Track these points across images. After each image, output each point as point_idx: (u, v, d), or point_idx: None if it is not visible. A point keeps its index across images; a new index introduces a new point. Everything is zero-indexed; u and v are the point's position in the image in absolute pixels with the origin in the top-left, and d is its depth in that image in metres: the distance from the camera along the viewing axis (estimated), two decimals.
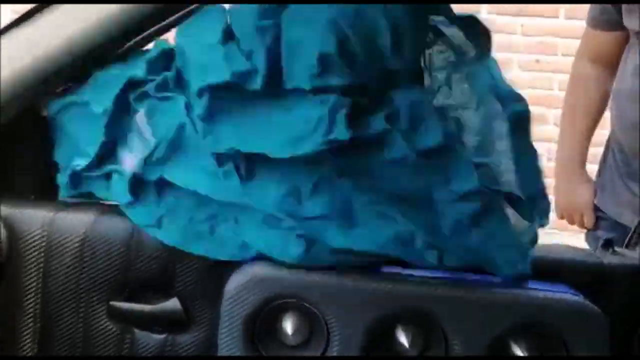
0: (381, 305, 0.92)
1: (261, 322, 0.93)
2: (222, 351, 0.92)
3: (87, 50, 0.92)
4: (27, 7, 0.92)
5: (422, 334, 0.92)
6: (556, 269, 1.02)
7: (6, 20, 0.92)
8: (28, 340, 0.98)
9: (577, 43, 1.75)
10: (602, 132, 1.73)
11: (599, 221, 1.70)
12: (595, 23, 1.66)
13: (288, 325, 0.92)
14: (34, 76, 0.91)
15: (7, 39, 0.89)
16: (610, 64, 1.65)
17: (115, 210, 1.00)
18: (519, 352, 0.91)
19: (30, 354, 0.97)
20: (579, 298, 0.93)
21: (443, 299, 0.92)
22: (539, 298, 0.93)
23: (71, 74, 0.97)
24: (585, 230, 1.75)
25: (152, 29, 1.02)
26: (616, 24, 1.61)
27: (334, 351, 0.92)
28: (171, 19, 1.03)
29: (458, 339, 0.91)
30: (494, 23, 3.44)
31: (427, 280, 0.93)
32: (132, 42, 1.01)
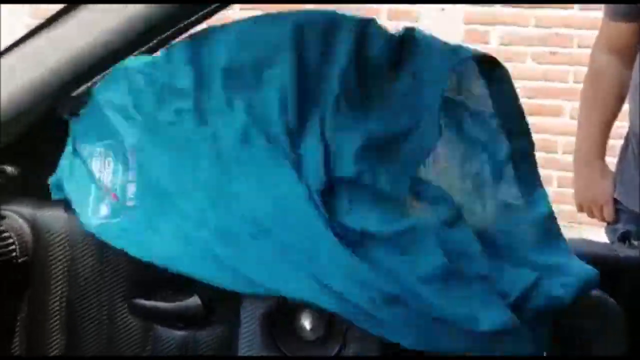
0: None
1: (280, 318, 0.94)
2: (243, 346, 0.93)
3: (106, 54, 0.93)
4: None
5: None
6: None
7: (21, 27, 0.94)
8: (56, 337, 0.99)
9: (592, 34, 1.73)
10: (622, 125, 1.71)
11: (619, 214, 1.68)
12: (613, 14, 1.65)
13: (307, 321, 0.93)
14: (51, 82, 0.93)
15: (24, 46, 0.91)
16: (629, 56, 1.63)
17: None
18: None
19: (58, 351, 1.00)
20: (595, 291, 0.93)
21: None
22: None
23: (88, 79, 0.99)
24: (605, 224, 1.74)
25: (170, 31, 1.04)
26: (635, 15, 1.60)
27: (351, 346, 0.92)
28: (191, 19, 1.04)
29: None
30: (508, 15, 3.41)
31: None
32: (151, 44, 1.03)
